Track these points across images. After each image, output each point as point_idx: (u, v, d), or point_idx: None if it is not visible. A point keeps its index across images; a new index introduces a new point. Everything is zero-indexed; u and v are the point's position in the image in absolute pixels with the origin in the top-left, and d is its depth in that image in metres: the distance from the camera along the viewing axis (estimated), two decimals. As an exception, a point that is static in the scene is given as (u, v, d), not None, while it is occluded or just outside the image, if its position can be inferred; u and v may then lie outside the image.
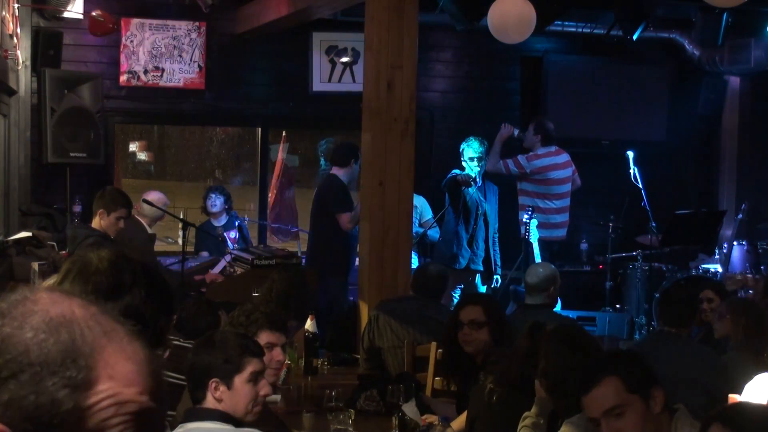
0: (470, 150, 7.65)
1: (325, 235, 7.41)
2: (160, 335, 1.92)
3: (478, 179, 7.67)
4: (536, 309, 5.32)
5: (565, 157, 8.27)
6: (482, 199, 7.70)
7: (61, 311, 0.97)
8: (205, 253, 7.93)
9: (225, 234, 8.01)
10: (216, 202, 8.17)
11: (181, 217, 7.52)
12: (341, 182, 7.38)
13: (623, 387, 2.91)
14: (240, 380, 2.98)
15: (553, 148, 8.24)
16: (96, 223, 5.91)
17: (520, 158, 8.13)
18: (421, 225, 7.88)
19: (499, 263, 7.81)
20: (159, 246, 8.06)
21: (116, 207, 5.89)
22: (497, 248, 7.85)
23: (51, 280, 2.18)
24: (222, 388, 2.98)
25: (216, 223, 8.17)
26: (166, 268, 6.96)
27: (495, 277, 7.80)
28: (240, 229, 8.24)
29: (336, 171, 7.45)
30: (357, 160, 7.31)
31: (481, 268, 7.72)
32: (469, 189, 7.59)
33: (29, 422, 0.92)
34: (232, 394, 2.98)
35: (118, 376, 0.96)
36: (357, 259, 7.45)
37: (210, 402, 2.99)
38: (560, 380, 3.32)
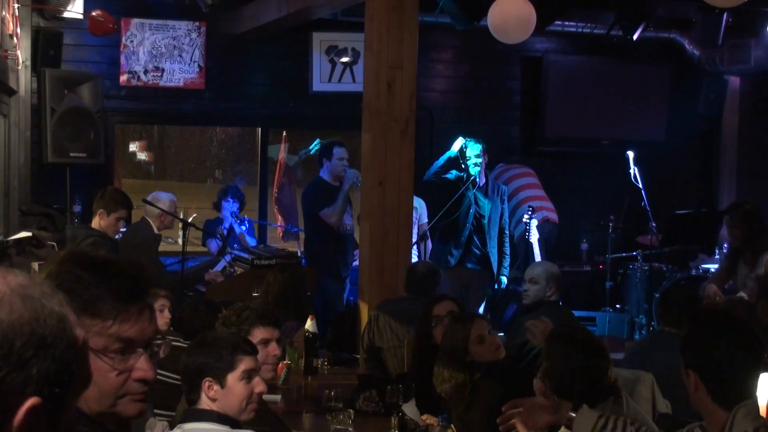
0: (470, 150, 7.62)
1: (314, 235, 7.62)
2: None
3: (478, 179, 7.64)
4: (544, 304, 5.35)
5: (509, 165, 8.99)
6: (482, 198, 7.66)
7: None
8: (212, 244, 7.93)
9: (235, 225, 8.02)
10: (233, 208, 8.17)
11: (181, 216, 7.51)
12: (319, 181, 7.61)
13: None
14: (233, 378, 2.98)
15: (498, 167, 8.98)
16: (96, 223, 5.91)
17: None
18: (418, 227, 7.87)
19: (506, 265, 7.77)
20: (159, 246, 8.04)
21: (116, 207, 5.89)
22: (505, 249, 7.79)
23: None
24: (215, 387, 2.97)
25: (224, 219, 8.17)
26: (164, 267, 6.96)
27: (501, 278, 7.76)
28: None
29: (321, 172, 7.66)
30: (330, 157, 7.51)
31: (478, 268, 7.68)
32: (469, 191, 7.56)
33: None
34: (226, 392, 2.97)
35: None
36: (355, 258, 7.52)
37: (205, 402, 2.98)
38: (564, 380, 3.30)
